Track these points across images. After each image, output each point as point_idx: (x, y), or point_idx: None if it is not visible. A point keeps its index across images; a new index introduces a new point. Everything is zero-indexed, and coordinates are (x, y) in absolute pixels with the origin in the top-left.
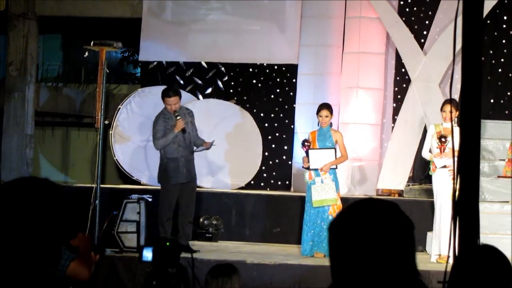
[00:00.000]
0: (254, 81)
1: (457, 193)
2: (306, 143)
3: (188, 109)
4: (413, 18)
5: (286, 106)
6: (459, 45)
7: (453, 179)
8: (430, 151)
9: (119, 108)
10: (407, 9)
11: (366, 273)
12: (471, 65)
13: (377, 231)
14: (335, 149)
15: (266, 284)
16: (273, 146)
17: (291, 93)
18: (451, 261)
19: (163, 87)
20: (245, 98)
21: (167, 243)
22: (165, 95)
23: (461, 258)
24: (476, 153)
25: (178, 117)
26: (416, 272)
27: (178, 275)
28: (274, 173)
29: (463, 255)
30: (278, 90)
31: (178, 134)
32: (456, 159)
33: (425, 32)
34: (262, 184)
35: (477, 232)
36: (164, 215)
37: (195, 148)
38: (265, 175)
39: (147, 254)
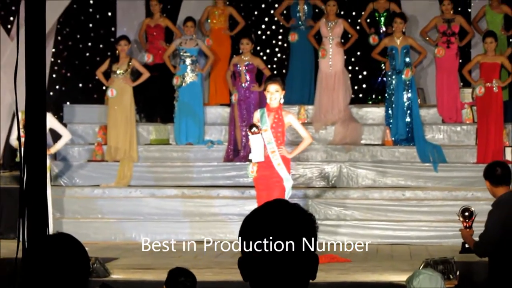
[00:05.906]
0: None
1: (24, 183)
2: None
3: None
4: None
5: None
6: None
7: (20, 171)
8: (18, 138)
9: None
10: None
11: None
12: (35, 54)
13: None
14: None
15: None
16: None
17: None
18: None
19: None
20: None
21: None
22: None
23: (31, 249)
24: (42, 142)
25: None
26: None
27: None
28: None
29: (33, 245)
30: None
31: None
32: (22, 150)
33: (12, 18)
34: None
35: (46, 220)
36: None
37: None
38: None
39: None
